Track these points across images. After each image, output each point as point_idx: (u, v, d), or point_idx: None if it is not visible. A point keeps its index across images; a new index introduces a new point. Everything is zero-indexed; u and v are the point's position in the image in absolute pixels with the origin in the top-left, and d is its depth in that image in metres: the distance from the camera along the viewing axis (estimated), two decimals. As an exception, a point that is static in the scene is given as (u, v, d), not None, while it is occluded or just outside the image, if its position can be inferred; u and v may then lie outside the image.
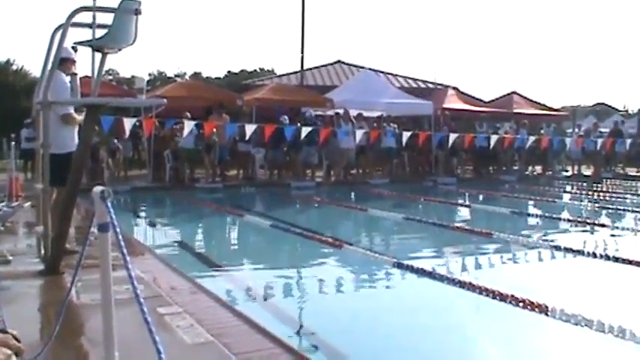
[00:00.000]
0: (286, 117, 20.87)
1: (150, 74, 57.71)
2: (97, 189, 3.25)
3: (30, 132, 18.00)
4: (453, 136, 21.87)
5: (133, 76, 49.90)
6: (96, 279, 5.44)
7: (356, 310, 6.89)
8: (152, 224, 13.24)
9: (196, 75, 58.41)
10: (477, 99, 28.90)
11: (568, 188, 20.13)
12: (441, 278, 7.65)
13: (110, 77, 46.33)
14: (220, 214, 14.61)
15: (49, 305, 5.74)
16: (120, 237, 3.15)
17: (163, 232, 12.10)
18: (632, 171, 26.06)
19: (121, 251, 3.08)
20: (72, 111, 7.57)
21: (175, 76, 58.01)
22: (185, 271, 7.12)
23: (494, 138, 22.44)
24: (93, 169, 17.19)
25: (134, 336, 3.90)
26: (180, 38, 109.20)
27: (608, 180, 23.07)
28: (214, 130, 18.84)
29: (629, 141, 25.50)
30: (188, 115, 18.96)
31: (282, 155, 20.79)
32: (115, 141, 19.10)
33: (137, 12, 6.13)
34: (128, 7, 6.10)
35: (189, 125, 18.21)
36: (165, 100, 9.41)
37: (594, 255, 9.09)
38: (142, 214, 14.79)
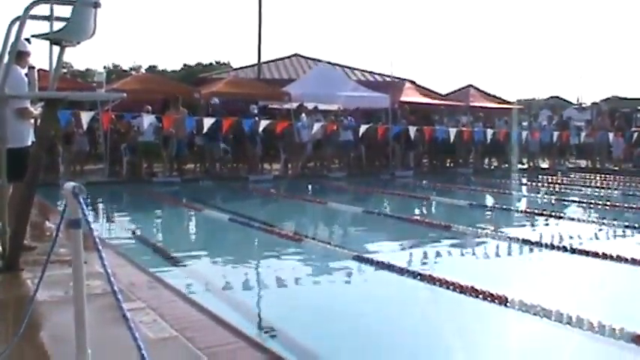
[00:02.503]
0: (255, 107, 20.93)
1: (105, 67, 57.04)
2: (69, 184, 3.23)
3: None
4: (412, 130, 21.97)
5: (87, 69, 49.57)
6: (55, 275, 5.48)
7: (316, 303, 6.94)
8: (109, 219, 13.12)
9: (152, 68, 57.92)
10: (434, 92, 29.12)
11: (525, 181, 20.37)
12: (401, 271, 7.69)
13: (65, 70, 45.67)
14: (178, 208, 14.55)
15: (9, 303, 5.68)
16: (94, 234, 3.14)
17: (121, 227, 11.97)
18: (582, 163, 26.45)
19: (96, 249, 3.07)
20: (28, 105, 7.48)
21: (131, 69, 57.48)
22: (145, 266, 7.11)
23: (453, 131, 22.61)
24: (49, 163, 16.97)
25: (100, 332, 3.89)
26: (135, 31, 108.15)
27: (563, 172, 23.43)
28: (172, 123, 18.74)
29: (583, 134, 25.91)
30: (149, 108, 18.86)
31: (240, 148, 20.75)
32: (79, 130, 18.86)
33: (96, 5, 6.06)
34: (87, -1, 6.03)
35: (148, 119, 18.10)
36: (124, 93, 9.32)
37: (552, 246, 9.27)
38: (99, 208, 14.64)
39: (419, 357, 5.38)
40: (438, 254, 9.50)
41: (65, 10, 6.10)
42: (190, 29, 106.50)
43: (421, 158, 24.84)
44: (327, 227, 12.78)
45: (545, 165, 26.00)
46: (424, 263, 8.62)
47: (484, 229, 10.89)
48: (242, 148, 20.74)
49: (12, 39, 6.60)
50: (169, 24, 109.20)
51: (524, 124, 27.25)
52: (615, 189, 17.79)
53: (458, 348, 5.45)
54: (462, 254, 9.66)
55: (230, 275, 8.01)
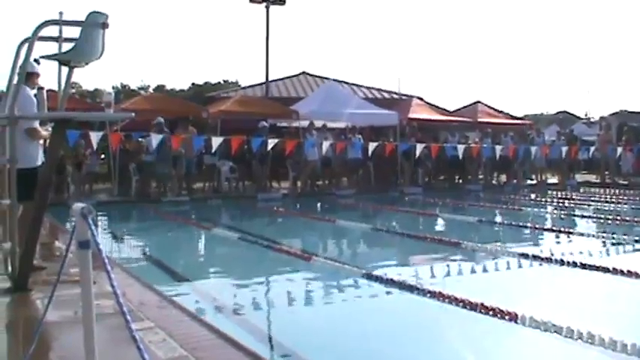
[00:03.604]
0: (265, 123, 20.97)
1: (113, 87, 57.25)
2: (78, 206, 3.24)
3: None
4: (420, 147, 21.96)
5: (96, 89, 49.75)
6: (64, 295, 5.47)
7: (326, 321, 6.92)
8: (119, 238, 13.13)
9: (160, 87, 58.15)
10: (442, 108, 29.11)
11: (534, 196, 20.31)
12: (411, 288, 7.66)
13: (73, 90, 45.90)
14: (188, 227, 14.55)
15: (19, 323, 5.68)
16: (103, 255, 3.14)
17: (130, 246, 12.00)
18: (591, 178, 26.41)
19: (106, 269, 3.07)
20: (37, 125, 7.51)
21: (139, 88, 57.75)
22: (154, 286, 7.10)
23: (461, 148, 22.58)
24: (58, 183, 17.02)
25: (110, 352, 3.88)
26: (143, 50, 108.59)
27: (572, 187, 23.36)
28: (181, 143, 18.80)
29: (592, 149, 25.85)
30: (161, 120, 18.93)
31: (248, 167, 20.81)
32: (88, 153, 18.96)
33: (104, 25, 6.09)
34: (95, 20, 6.06)
35: (156, 139, 18.16)
36: (132, 113, 9.36)
37: (562, 262, 9.18)
38: (108, 228, 14.65)
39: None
40: (447, 271, 9.46)
41: (74, 31, 6.13)
42: (198, 48, 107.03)
43: (430, 175, 24.80)
44: (337, 245, 12.77)
45: (553, 180, 25.94)
46: (434, 280, 8.57)
47: (494, 245, 10.85)
48: (250, 167, 20.78)
49: (21, 60, 6.65)
50: (177, 43, 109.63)
51: (530, 138, 27.12)
52: (625, 203, 17.72)
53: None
54: (472, 271, 9.60)
55: (239, 294, 7.98)
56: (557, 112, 60.06)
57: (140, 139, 18.89)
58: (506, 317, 6.29)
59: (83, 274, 3.41)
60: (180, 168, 19.16)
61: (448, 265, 9.79)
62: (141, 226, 15.78)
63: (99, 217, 15.85)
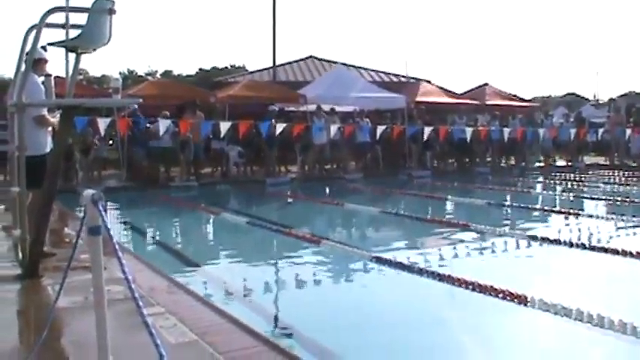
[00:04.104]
0: (275, 107, 21.00)
1: (120, 73, 57.32)
2: (88, 192, 3.26)
3: (2, 134, 17.77)
4: (427, 130, 21.94)
5: (103, 76, 49.83)
6: (74, 281, 5.50)
7: (337, 305, 6.93)
8: (128, 224, 13.15)
9: (167, 73, 58.20)
10: (450, 91, 29.05)
11: (542, 179, 20.28)
12: (420, 271, 7.68)
13: (81, 77, 45.97)
14: (196, 212, 14.56)
15: (30, 309, 5.72)
16: (114, 241, 3.16)
17: (140, 232, 12.02)
18: (600, 160, 26.36)
19: (117, 255, 3.09)
20: (45, 112, 7.53)
21: (146, 74, 57.84)
22: (164, 271, 7.13)
23: (469, 130, 22.55)
24: (66, 170, 17.04)
25: (122, 338, 3.90)
26: (150, 36, 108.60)
27: (580, 169, 23.31)
28: (189, 128, 18.81)
29: (601, 130, 25.77)
30: (167, 114, 18.93)
31: (256, 152, 20.85)
32: (96, 141, 18.98)
33: (111, 11, 6.08)
34: (102, 6, 6.05)
35: (164, 124, 18.17)
36: (140, 99, 9.37)
37: (571, 244, 9.18)
38: (117, 213, 14.69)
39: (439, 358, 5.36)
40: (456, 254, 9.46)
41: (81, 18, 6.12)
42: (205, 33, 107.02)
43: (438, 158, 24.79)
44: (346, 229, 12.79)
45: (561, 162, 25.88)
46: (443, 263, 8.58)
47: (503, 227, 10.85)
48: (259, 151, 20.81)
49: (29, 47, 6.65)
50: (184, 29, 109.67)
51: (539, 121, 27.00)
52: (635, 185, 17.69)
53: (478, 348, 5.44)
54: (481, 253, 9.61)
55: (249, 278, 8.00)
56: (566, 94, 59.95)
57: (148, 125, 18.89)
58: (516, 300, 6.29)
59: (94, 259, 3.43)
60: (188, 153, 19.17)
61: (457, 248, 9.78)
62: (150, 211, 15.81)
63: (108, 203, 15.91)
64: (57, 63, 7.18)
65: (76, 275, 5.18)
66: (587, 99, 53.30)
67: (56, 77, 7.85)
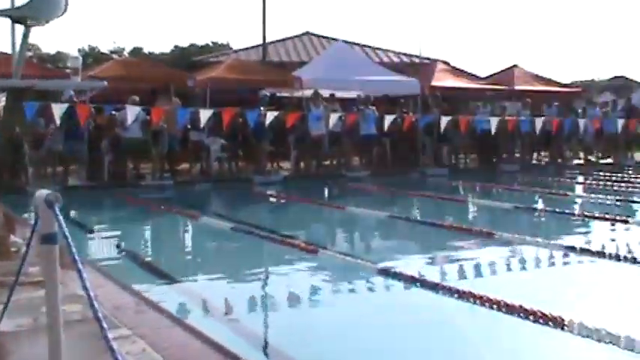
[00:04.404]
0: (266, 93, 21.02)
1: (80, 50, 57.19)
2: (42, 192, 3.22)
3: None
4: (444, 120, 21.91)
5: (59, 53, 49.72)
6: (22, 299, 5.46)
7: (334, 325, 6.89)
8: (89, 230, 13.12)
9: (137, 50, 58.12)
10: (472, 75, 29.04)
11: (583, 179, 20.27)
12: (435, 287, 7.67)
13: (31, 54, 45.89)
14: (171, 216, 14.56)
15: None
16: (73, 251, 3.12)
17: (103, 240, 12.01)
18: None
19: (77, 268, 3.05)
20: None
21: (111, 52, 57.69)
22: (131, 286, 7.10)
23: (494, 120, 22.49)
24: (13, 165, 16.99)
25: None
26: (116, 6, 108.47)
27: (629, 168, 23.27)
28: (162, 116, 18.77)
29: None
30: (136, 99, 18.87)
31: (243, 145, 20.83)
32: (49, 129, 18.93)
33: (68, -24, 6.06)
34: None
35: (133, 111, 18.11)
36: (104, 82, 9.36)
37: (618, 257, 9.13)
38: (76, 218, 14.66)
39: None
40: (478, 267, 9.44)
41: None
42: (181, 3, 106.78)
43: (457, 154, 24.77)
44: (347, 236, 12.82)
45: (606, 159, 25.82)
46: (462, 278, 8.57)
47: (534, 236, 10.83)
48: (246, 145, 20.78)
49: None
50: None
51: (580, 111, 26.90)
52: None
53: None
54: (508, 267, 9.59)
55: (232, 295, 7.99)
56: (613, 78, 59.83)
57: (113, 112, 18.85)
58: (551, 323, 6.25)
59: (48, 273, 3.40)
60: (161, 146, 19.13)
61: (479, 260, 9.77)
62: (115, 215, 15.79)
63: (65, 205, 15.85)
64: (1, 37, 7.14)
65: (24, 292, 5.14)
66: (638, 83, 53.25)
67: (1, 54, 7.82)
